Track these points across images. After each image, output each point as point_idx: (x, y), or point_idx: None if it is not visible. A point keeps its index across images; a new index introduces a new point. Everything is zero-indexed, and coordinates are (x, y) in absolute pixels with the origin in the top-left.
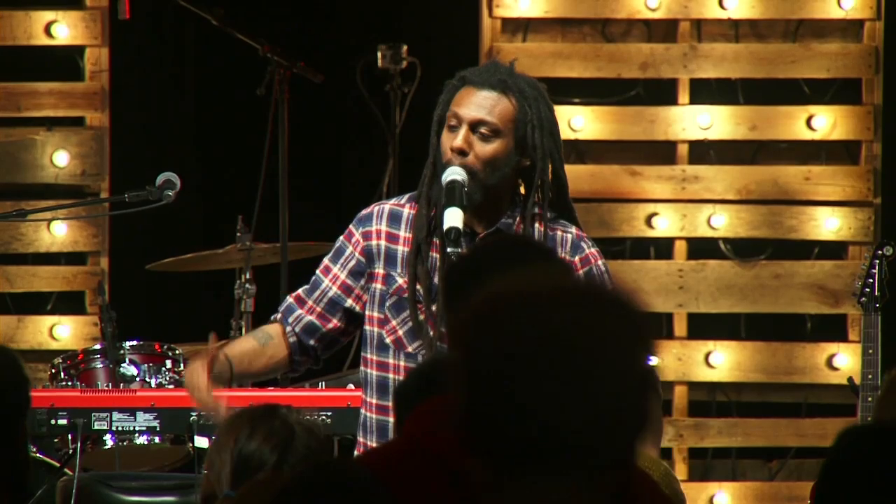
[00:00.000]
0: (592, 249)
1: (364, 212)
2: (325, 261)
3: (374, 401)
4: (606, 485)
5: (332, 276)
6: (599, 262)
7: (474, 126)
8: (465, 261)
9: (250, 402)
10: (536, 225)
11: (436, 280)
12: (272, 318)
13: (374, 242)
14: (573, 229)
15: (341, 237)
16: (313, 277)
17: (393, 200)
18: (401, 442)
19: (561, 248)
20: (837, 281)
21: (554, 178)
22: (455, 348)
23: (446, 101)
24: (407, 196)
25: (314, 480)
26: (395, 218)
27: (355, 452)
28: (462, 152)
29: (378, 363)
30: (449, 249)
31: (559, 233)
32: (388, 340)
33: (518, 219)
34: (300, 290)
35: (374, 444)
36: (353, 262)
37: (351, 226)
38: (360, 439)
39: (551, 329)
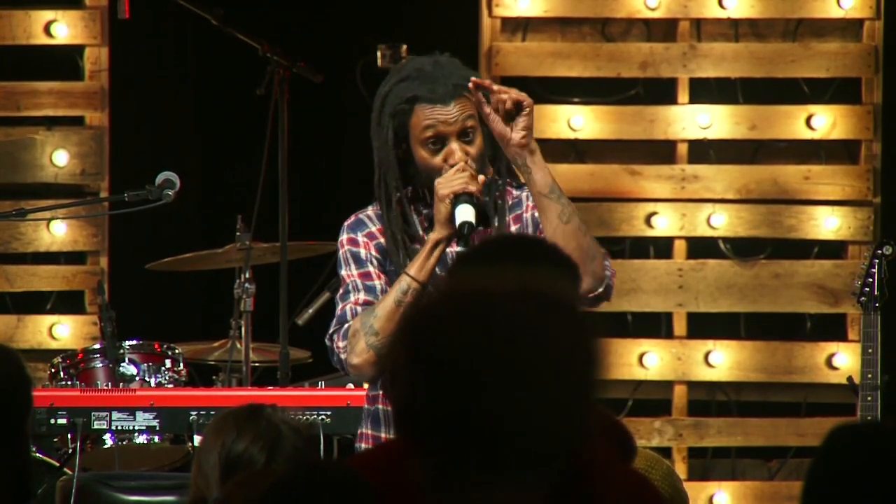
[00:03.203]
0: None
1: (350, 221)
2: (354, 271)
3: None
4: (548, 484)
5: (376, 274)
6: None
7: (460, 135)
8: (457, 263)
9: (249, 401)
10: (507, 197)
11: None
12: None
13: (380, 240)
14: None
15: (347, 247)
16: (357, 284)
17: (370, 209)
18: (395, 443)
19: (526, 200)
20: (837, 280)
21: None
22: (401, 347)
23: (403, 124)
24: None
25: (300, 480)
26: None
27: (361, 446)
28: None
29: None
30: (459, 248)
31: (523, 194)
32: None
33: (490, 198)
34: (359, 299)
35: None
36: (376, 262)
37: (347, 234)
38: (368, 431)
39: (496, 330)
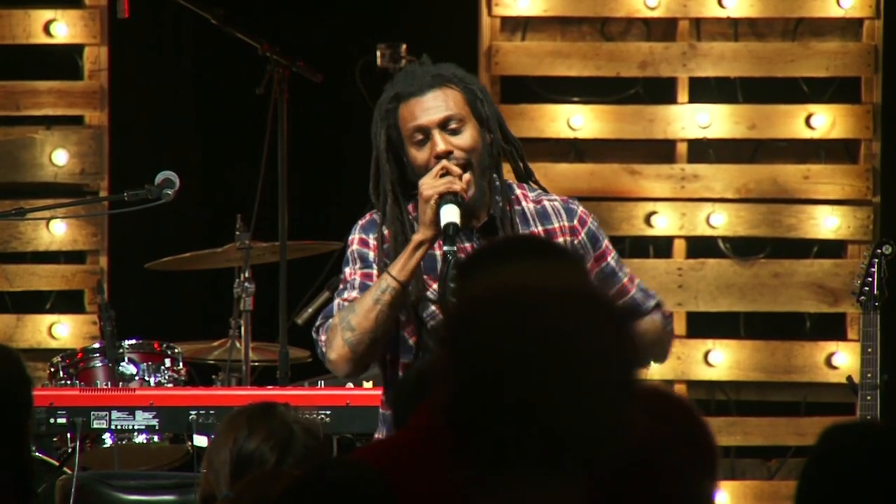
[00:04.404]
0: (582, 208)
1: (365, 220)
2: (357, 269)
3: None
4: (590, 482)
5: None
6: (592, 218)
7: (443, 126)
8: (473, 259)
9: (248, 401)
10: (524, 203)
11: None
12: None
13: (385, 247)
14: (555, 197)
15: (355, 246)
16: (355, 283)
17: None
18: (407, 433)
19: (556, 217)
20: (836, 280)
21: (510, 143)
22: (442, 344)
23: (392, 125)
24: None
25: (318, 480)
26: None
27: None
28: (448, 154)
29: (403, 365)
30: (446, 248)
31: (546, 203)
32: (410, 342)
33: (504, 202)
34: (350, 296)
35: None
36: (381, 265)
37: (359, 234)
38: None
39: (541, 327)
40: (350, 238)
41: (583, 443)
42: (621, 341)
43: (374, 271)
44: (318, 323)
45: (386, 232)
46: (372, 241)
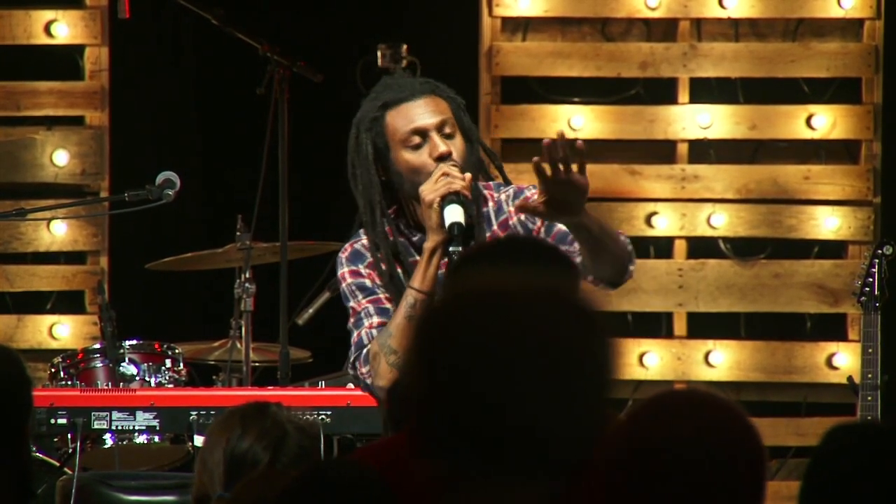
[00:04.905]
0: (534, 191)
1: (347, 252)
2: (362, 300)
3: None
4: (560, 485)
5: (386, 298)
6: None
7: (439, 129)
8: (461, 261)
9: (241, 401)
10: (490, 204)
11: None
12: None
13: (382, 269)
14: (512, 187)
15: (350, 280)
16: (369, 311)
17: (363, 237)
18: (399, 439)
19: (507, 204)
20: (837, 280)
21: (488, 154)
22: (418, 344)
23: (379, 133)
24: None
25: (318, 481)
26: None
27: None
28: (449, 155)
29: None
30: (451, 248)
31: (502, 196)
32: None
33: (477, 209)
34: (373, 323)
35: None
36: (383, 289)
37: (348, 267)
38: None
39: (519, 328)
40: (340, 273)
41: (560, 445)
42: (600, 345)
43: (381, 295)
44: (352, 357)
45: (380, 255)
46: (364, 270)
